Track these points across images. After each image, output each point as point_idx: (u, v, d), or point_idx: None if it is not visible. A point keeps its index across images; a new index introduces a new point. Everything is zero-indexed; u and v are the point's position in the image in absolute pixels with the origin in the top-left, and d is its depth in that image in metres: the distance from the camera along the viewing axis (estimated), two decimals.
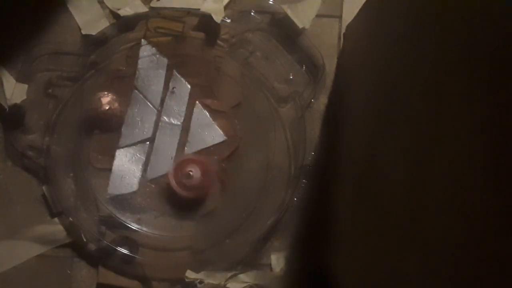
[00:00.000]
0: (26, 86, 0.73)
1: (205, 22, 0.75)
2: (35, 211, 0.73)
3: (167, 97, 0.74)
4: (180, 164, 0.72)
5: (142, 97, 0.74)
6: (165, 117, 0.74)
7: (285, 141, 0.74)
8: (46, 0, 0.76)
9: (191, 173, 0.71)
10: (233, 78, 0.75)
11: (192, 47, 0.76)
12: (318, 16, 0.77)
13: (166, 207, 0.73)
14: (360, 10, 0.70)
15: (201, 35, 0.76)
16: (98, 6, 0.76)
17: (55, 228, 0.72)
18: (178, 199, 0.72)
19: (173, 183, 0.71)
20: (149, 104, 0.74)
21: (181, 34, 0.75)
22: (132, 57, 0.75)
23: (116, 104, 0.73)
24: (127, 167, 0.73)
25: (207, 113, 0.74)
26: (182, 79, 0.75)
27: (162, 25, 0.75)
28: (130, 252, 0.71)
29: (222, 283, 0.71)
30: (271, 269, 0.73)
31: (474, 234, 0.33)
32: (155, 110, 0.74)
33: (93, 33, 0.75)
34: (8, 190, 0.73)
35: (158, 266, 0.71)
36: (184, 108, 0.74)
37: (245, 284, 0.71)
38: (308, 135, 0.75)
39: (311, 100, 0.76)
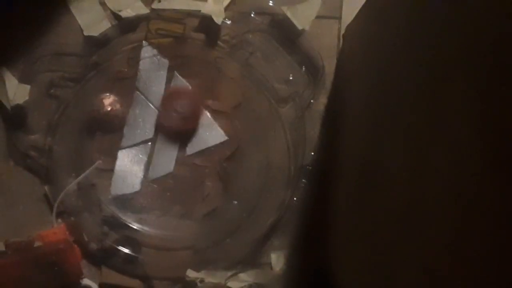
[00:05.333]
0: (28, 86, 0.73)
1: (206, 24, 0.75)
2: (37, 211, 0.73)
3: None
4: (167, 99, 0.73)
5: (143, 98, 0.74)
6: None
7: (285, 141, 0.75)
8: (48, 1, 0.76)
9: (179, 106, 0.72)
10: (234, 78, 0.76)
11: (193, 48, 0.76)
12: (318, 17, 0.77)
13: (168, 207, 0.73)
14: (360, 11, 0.70)
15: (201, 36, 0.76)
16: (100, 8, 0.76)
17: None
18: (171, 134, 0.73)
19: (163, 118, 0.72)
20: (151, 105, 0.74)
21: (182, 36, 0.76)
22: (134, 58, 0.75)
23: (118, 106, 0.73)
24: (129, 168, 0.73)
25: (208, 114, 0.75)
26: (183, 80, 0.75)
27: (163, 26, 0.76)
28: (133, 251, 0.71)
29: (223, 282, 0.71)
30: (271, 268, 0.73)
31: (474, 232, 0.34)
32: (157, 111, 0.74)
33: (95, 34, 0.75)
34: (10, 190, 0.74)
35: (159, 266, 0.72)
36: None
37: (245, 283, 0.71)
38: (308, 135, 0.75)
39: (310, 101, 0.76)
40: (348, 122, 0.67)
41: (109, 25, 0.76)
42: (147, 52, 0.75)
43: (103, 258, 0.72)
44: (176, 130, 0.73)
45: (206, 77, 0.75)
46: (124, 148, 0.74)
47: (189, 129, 0.74)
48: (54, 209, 0.71)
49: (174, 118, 0.72)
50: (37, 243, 0.69)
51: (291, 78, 0.76)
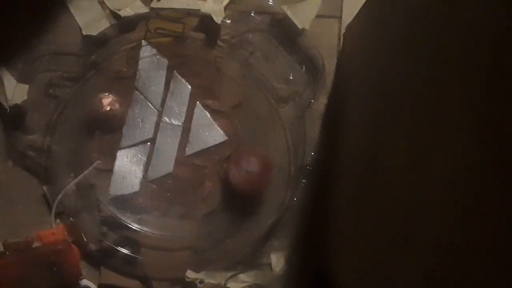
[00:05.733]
0: (27, 86, 0.73)
1: (205, 23, 0.75)
2: (36, 211, 0.73)
3: (167, 97, 0.75)
4: (237, 158, 0.72)
5: (143, 98, 0.74)
6: (166, 118, 0.74)
7: (285, 141, 0.75)
8: (47, 0, 0.76)
9: (250, 166, 0.71)
10: (234, 78, 0.75)
11: (193, 48, 0.76)
12: (318, 16, 0.77)
13: (167, 207, 0.73)
14: (360, 10, 0.70)
15: (201, 35, 0.76)
16: (99, 7, 0.76)
17: None
18: (237, 196, 0.73)
19: (234, 179, 0.72)
20: (150, 105, 0.74)
21: (182, 35, 0.76)
22: (133, 58, 0.75)
23: (117, 105, 0.73)
24: (128, 168, 0.73)
25: (208, 114, 0.75)
26: (182, 79, 0.75)
27: (162, 26, 0.75)
28: (132, 252, 0.71)
29: (222, 282, 0.71)
30: (271, 268, 0.73)
31: (474, 232, 0.33)
32: (156, 111, 0.74)
33: (94, 34, 0.75)
34: (9, 190, 0.74)
35: (159, 266, 0.72)
36: (184, 109, 0.74)
37: (245, 284, 0.71)
38: (308, 135, 0.75)
39: (311, 100, 0.76)
40: (348, 122, 0.67)
41: (108, 24, 0.76)
42: (147, 51, 0.75)
43: (102, 258, 0.72)
44: (243, 189, 0.72)
45: (206, 77, 0.75)
46: (123, 148, 0.73)
47: (255, 191, 0.73)
48: (53, 210, 0.71)
49: (243, 177, 0.71)
50: (35, 244, 0.69)
51: (291, 77, 0.76)
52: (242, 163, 0.71)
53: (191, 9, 0.75)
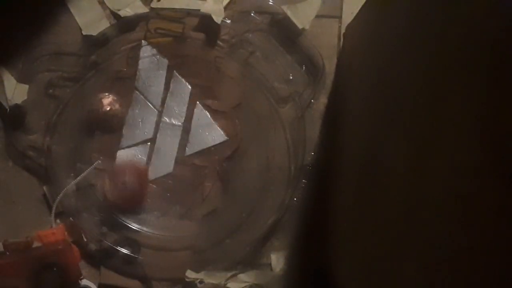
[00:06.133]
0: (27, 86, 0.73)
1: (205, 23, 0.75)
2: (36, 211, 0.73)
3: (167, 97, 0.75)
4: (113, 173, 0.72)
5: (143, 98, 0.74)
6: (166, 118, 0.74)
7: (285, 141, 0.75)
8: (47, 0, 0.76)
9: (126, 181, 0.72)
10: (233, 78, 0.75)
11: (192, 48, 0.76)
12: (318, 16, 0.77)
13: (168, 208, 0.73)
14: (360, 10, 0.70)
15: (201, 35, 0.76)
16: (99, 7, 0.76)
17: None
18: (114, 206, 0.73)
19: (108, 193, 0.72)
20: (150, 104, 0.74)
21: (181, 35, 0.76)
22: (133, 58, 0.75)
23: (117, 105, 0.73)
24: None
25: (208, 114, 0.75)
26: (182, 79, 0.75)
27: (162, 26, 0.75)
28: (132, 252, 0.71)
29: (222, 282, 0.71)
30: (271, 268, 0.73)
31: (474, 232, 0.33)
32: (156, 111, 0.74)
33: (94, 34, 0.75)
34: (9, 190, 0.74)
35: (159, 266, 0.72)
36: (184, 109, 0.74)
37: (245, 284, 0.71)
38: (308, 135, 0.75)
39: (311, 100, 0.76)
40: (348, 122, 0.67)
41: (108, 24, 0.76)
42: (147, 51, 0.75)
43: (102, 258, 0.72)
44: (123, 205, 0.72)
45: (206, 77, 0.75)
46: (123, 148, 0.73)
47: (135, 205, 0.73)
48: (53, 210, 0.71)
49: (121, 193, 0.72)
50: (36, 244, 0.69)
51: (291, 77, 0.75)
52: (118, 177, 0.71)
53: (191, 9, 0.75)
